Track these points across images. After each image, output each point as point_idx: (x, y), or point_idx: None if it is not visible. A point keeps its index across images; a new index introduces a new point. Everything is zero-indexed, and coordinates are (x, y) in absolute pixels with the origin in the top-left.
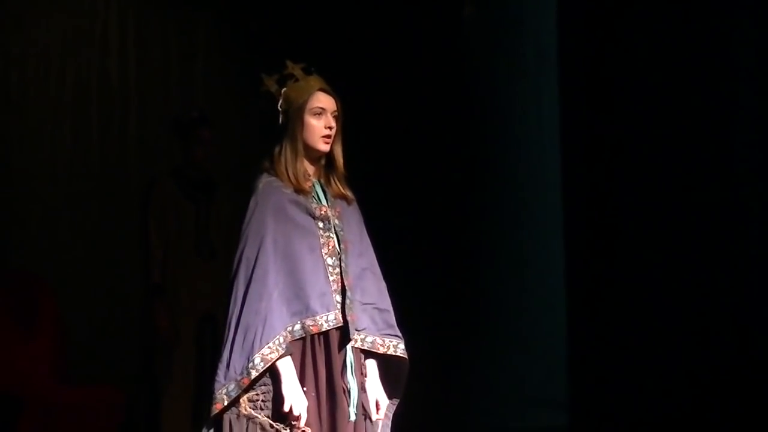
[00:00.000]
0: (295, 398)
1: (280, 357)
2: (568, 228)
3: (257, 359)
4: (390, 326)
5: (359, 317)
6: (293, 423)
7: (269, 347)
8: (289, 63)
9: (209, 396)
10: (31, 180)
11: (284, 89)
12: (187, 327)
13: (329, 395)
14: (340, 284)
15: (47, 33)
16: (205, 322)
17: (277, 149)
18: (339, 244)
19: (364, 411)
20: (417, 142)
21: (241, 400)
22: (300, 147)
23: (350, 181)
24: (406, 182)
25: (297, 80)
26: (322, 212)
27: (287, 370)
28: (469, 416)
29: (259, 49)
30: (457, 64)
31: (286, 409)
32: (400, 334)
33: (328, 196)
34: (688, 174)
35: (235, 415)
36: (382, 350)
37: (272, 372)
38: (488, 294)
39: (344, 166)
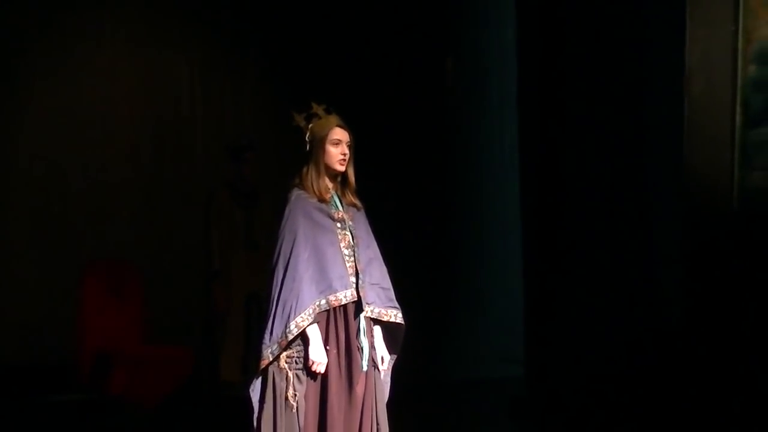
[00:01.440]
0: (319, 356)
1: (310, 324)
2: (524, 212)
3: (292, 326)
4: (391, 300)
5: (368, 294)
6: (316, 373)
7: (301, 317)
8: (314, 104)
9: (257, 354)
10: (122, 191)
11: (310, 125)
12: (237, 302)
13: (347, 352)
14: (354, 269)
15: (132, 80)
16: (250, 299)
17: (304, 170)
18: (353, 239)
19: (373, 363)
20: (410, 154)
21: (280, 357)
22: (322, 168)
23: (359, 193)
24: (399, 185)
25: (320, 118)
26: (339, 216)
27: (314, 334)
28: (436, 369)
29: (290, 90)
30: (440, 101)
31: (310, 364)
32: (398, 306)
33: (343, 204)
34: (612, 173)
35: (277, 368)
36: (385, 318)
37: (303, 336)
38: (455, 267)
39: (355, 182)
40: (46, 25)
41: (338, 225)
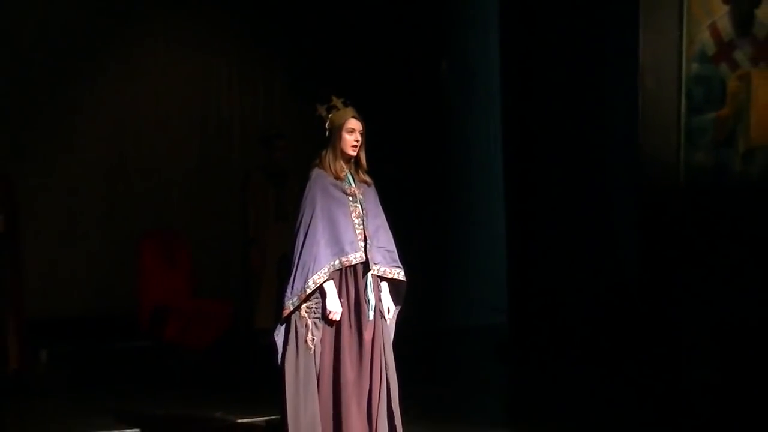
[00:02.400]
0: (335, 307)
1: (325, 281)
2: (506, 188)
3: (310, 282)
4: (395, 261)
5: (375, 255)
6: (332, 320)
7: (318, 275)
8: (333, 97)
9: (280, 305)
10: (173, 172)
11: (330, 115)
12: (270, 264)
13: (356, 304)
14: (363, 235)
15: (182, 78)
16: (281, 261)
17: (323, 153)
18: (362, 210)
19: (380, 314)
20: (411, 141)
21: (301, 308)
22: (338, 152)
23: (371, 173)
24: (403, 166)
25: (338, 109)
26: (352, 191)
27: (331, 289)
28: (430, 318)
29: (312, 87)
30: (435, 98)
31: (327, 313)
32: (401, 266)
33: (356, 181)
34: (579, 155)
35: (299, 317)
36: (389, 276)
37: (321, 290)
38: (448, 232)
39: (366, 163)
40: (111, 35)
41: (350, 199)
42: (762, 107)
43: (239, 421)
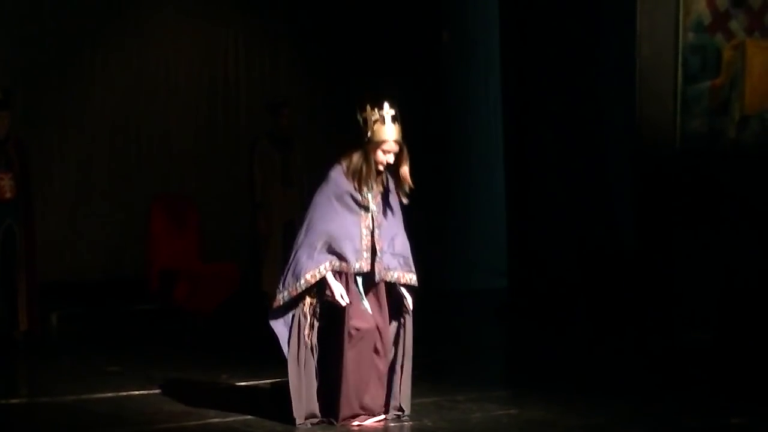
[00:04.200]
0: (340, 291)
1: (321, 277)
2: (506, 153)
3: (302, 281)
4: (409, 266)
5: (391, 261)
6: (341, 306)
7: (310, 274)
8: (386, 105)
9: (272, 296)
10: (181, 138)
11: (375, 124)
12: (276, 228)
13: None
14: (371, 246)
15: (190, 49)
16: (287, 225)
17: (354, 157)
18: (372, 223)
19: (392, 319)
20: (415, 107)
21: (304, 303)
22: (371, 164)
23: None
24: (406, 130)
25: (384, 123)
26: (365, 202)
27: (331, 279)
28: (433, 281)
29: (317, 55)
30: (437, 67)
31: (336, 297)
32: (414, 271)
33: (373, 193)
34: (577, 121)
35: (301, 313)
36: (403, 281)
37: (324, 283)
38: (450, 196)
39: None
40: (122, 4)
41: (362, 209)
42: (756, 76)
43: (244, 383)
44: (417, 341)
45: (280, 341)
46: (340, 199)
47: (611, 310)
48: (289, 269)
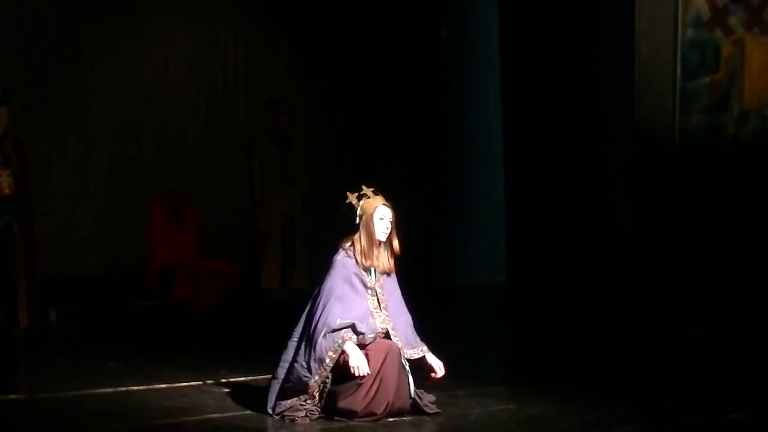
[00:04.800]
0: (361, 363)
1: (342, 351)
2: (505, 150)
3: (327, 359)
4: (416, 340)
5: (400, 339)
6: (359, 376)
7: (334, 349)
8: (364, 187)
9: (298, 380)
10: (181, 136)
11: (361, 202)
12: (275, 225)
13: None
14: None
15: (189, 47)
16: (286, 222)
17: (355, 237)
18: (379, 302)
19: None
20: (414, 104)
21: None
22: (372, 237)
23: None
24: (406, 127)
25: (368, 197)
26: (371, 284)
27: (351, 347)
28: (431, 277)
29: (315, 54)
30: (437, 65)
31: (353, 370)
32: (421, 342)
33: (377, 273)
34: (576, 118)
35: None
36: (416, 357)
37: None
38: (448, 192)
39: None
40: (122, 3)
41: (369, 291)
42: (755, 72)
43: (243, 379)
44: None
45: (270, 395)
46: (348, 281)
47: (610, 306)
48: (309, 356)
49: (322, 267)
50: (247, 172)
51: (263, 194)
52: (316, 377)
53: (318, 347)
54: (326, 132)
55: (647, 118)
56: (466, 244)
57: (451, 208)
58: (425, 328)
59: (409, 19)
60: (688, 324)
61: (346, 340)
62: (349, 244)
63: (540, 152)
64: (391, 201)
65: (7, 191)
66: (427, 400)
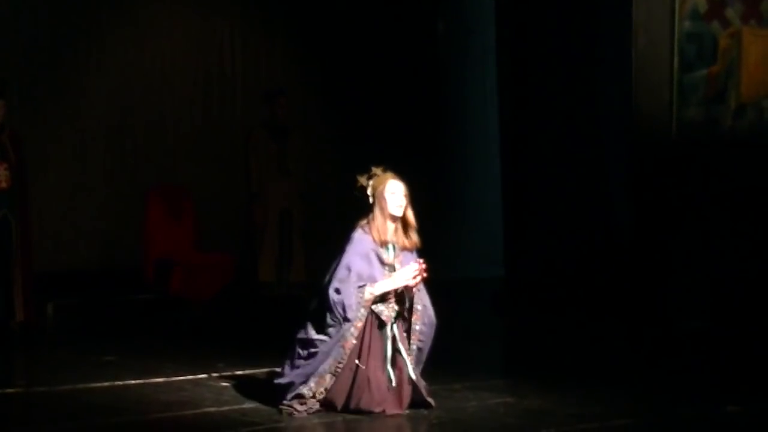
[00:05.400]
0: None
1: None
2: (502, 143)
3: (367, 293)
4: (432, 319)
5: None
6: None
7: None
8: (372, 167)
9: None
10: (177, 128)
11: (371, 182)
12: (272, 218)
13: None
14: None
15: (185, 39)
16: (283, 215)
17: (370, 216)
18: None
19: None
20: (411, 96)
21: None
22: (386, 214)
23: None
24: (402, 120)
25: (377, 175)
26: (389, 261)
27: (379, 286)
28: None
29: (313, 45)
30: (434, 57)
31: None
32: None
33: (396, 250)
34: (573, 110)
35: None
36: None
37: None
38: (447, 186)
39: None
40: None
41: (386, 268)
42: (752, 64)
43: (241, 372)
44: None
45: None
46: (365, 257)
47: (607, 299)
48: (335, 306)
49: (319, 260)
50: (244, 164)
51: (260, 187)
52: (361, 310)
53: (339, 304)
54: (323, 124)
55: (644, 111)
56: (463, 236)
57: (448, 200)
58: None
59: (406, 12)
60: (685, 317)
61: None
62: (365, 221)
63: (537, 144)
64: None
65: (3, 184)
66: (422, 385)
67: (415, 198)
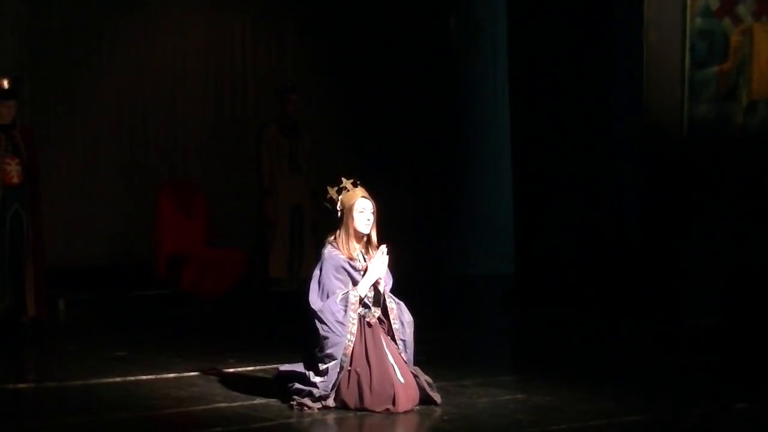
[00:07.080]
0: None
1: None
2: (513, 139)
3: (351, 312)
4: (408, 316)
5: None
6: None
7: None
8: (343, 179)
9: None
10: (189, 125)
11: (341, 196)
12: (283, 213)
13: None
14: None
15: (198, 35)
16: (294, 210)
17: (337, 232)
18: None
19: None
20: (422, 92)
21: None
22: (351, 231)
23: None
24: (413, 115)
25: (348, 190)
26: (363, 267)
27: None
28: (440, 267)
29: (323, 43)
30: (445, 53)
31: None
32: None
33: (365, 258)
34: (584, 107)
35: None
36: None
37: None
38: (457, 182)
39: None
40: None
41: (362, 273)
42: (764, 61)
43: (252, 368)
44: (421, 328)
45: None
46: (338, 271)
47: (618, 296)
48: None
49: None
50: (255, 160)
51: (271, 183)
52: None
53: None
54: (335, 121)
55: (655, 108)
56: (474, 233)
57: (459, 198)
58: (434, 318)
59: (418, 9)
60: (696, 314)
61: (351, 294)
62: (333, 237)
63: (548, 141)
64: (372, 192)
65: (15, 180)
66: (424, 378)
67: (425, 195)
